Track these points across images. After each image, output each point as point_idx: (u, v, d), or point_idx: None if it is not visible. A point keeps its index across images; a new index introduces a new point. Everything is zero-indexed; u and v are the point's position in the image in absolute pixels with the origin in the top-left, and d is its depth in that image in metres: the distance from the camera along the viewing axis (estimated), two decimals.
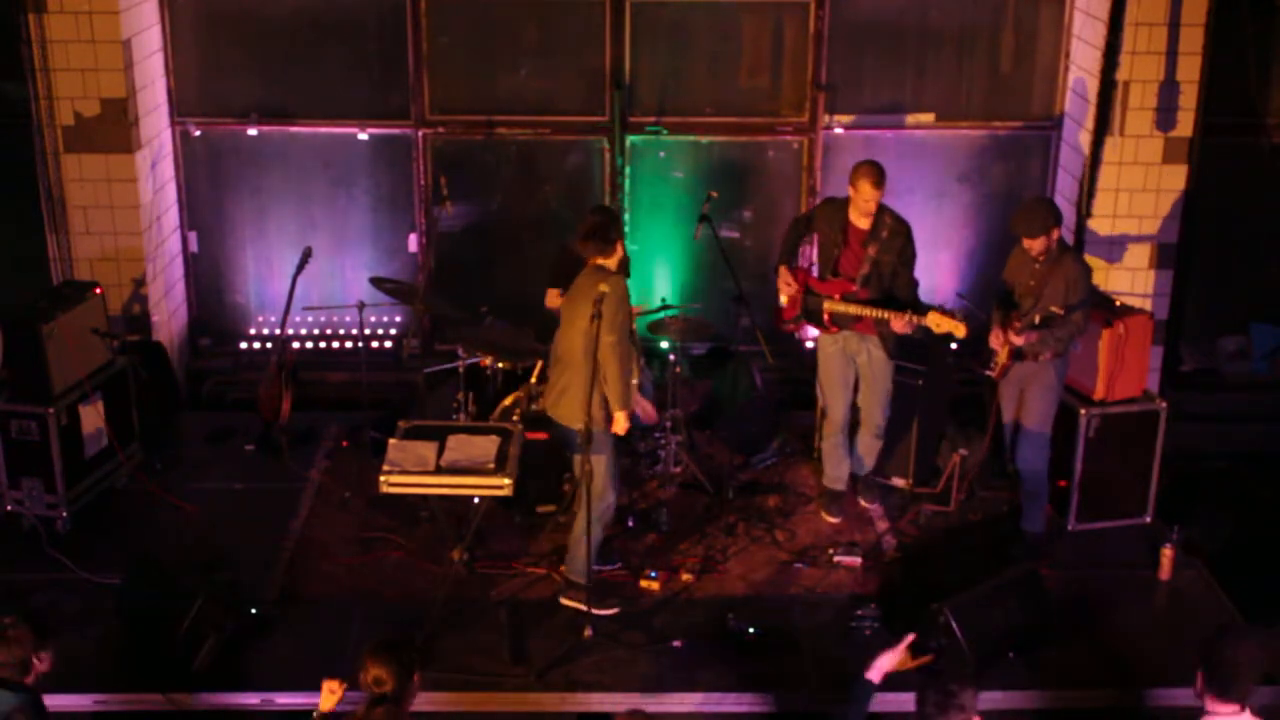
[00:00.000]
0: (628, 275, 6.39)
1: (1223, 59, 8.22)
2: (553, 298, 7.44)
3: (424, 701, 5.82)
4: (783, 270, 7.03)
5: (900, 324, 6.67)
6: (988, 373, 6.86)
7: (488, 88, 8.82)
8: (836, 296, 6.83)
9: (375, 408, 7.89)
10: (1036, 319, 6.53)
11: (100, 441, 7.16)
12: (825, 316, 6.90)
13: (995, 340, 6.76)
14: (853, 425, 7.21)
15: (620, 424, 6.16)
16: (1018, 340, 6.59)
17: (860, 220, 6.77)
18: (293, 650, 6.07)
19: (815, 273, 7.07)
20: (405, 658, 4.57)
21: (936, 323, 6.59)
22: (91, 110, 8.03)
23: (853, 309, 6.81)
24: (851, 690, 4.91)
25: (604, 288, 5.96)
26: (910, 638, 5.02)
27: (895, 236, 6.73)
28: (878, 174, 6.66)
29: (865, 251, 6.74)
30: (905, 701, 5.59)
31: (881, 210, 6.76)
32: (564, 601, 6.37)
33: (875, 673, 4.89)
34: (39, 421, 6.78)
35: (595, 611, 6.26)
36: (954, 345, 7.91)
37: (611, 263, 6.18)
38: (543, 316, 7.43)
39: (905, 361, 7.11)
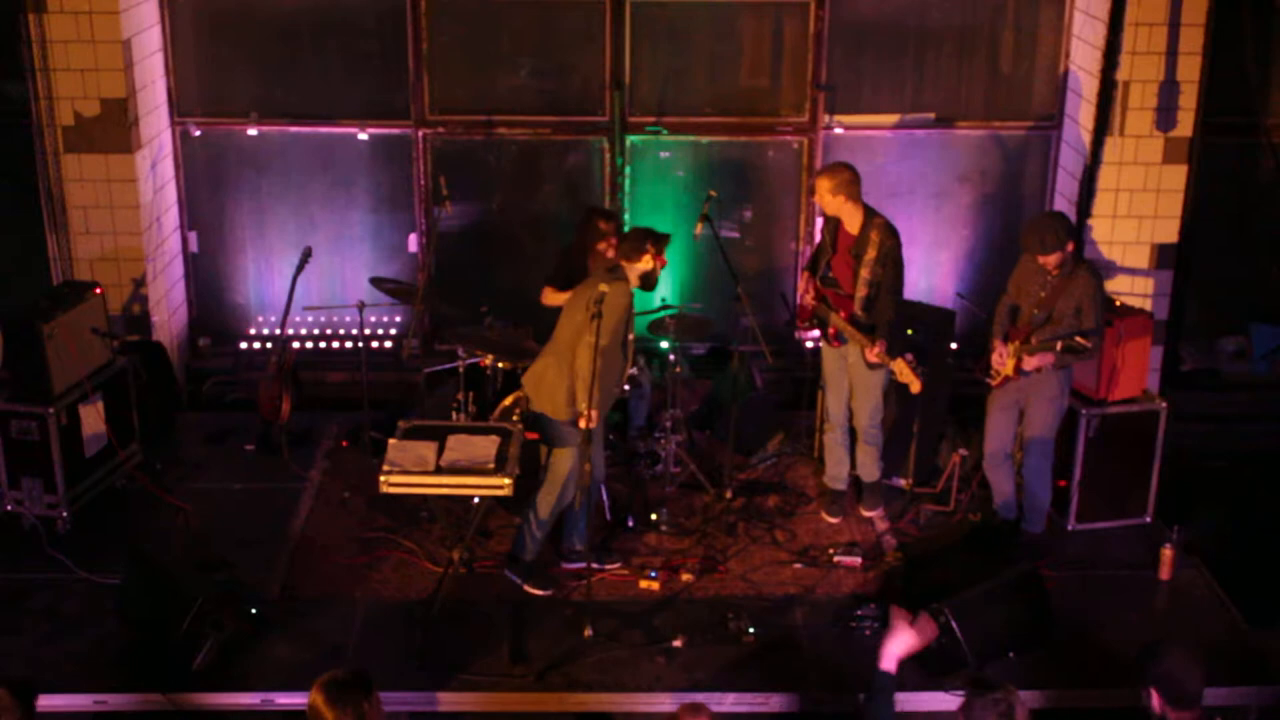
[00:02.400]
0: (650, 289, 6.44)
1: (1223, 59, 8.22)
2: (549, 295, 7.49)
3: (425, 702, 5.84)
4: (804, 275, 7.14)
5: (872, 355, 6.76)
6: (987, 380, 6.85)
7: (488, 88, 8.82)
8: (843, 315, 6.87)
9: (375, 408, 7.89)
10: (1059, 346, 6.42)
11: (100, 441, 7.17)
12: (830, 331, 6.97)
13: (998, 358, 6.73)
14: (853, 427, 7.23)
15: (591, 420, 6.15)
16: (1030, 366, 6.56)
17: (850, 226, 6.80)
18: (293, 650, 6.06)
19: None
20: (352, 704, 4.18)
21: (900, 370, 6.70)
22: (91, 110, 8.03)
23: (847, 330, 6.88)
24: (872, 686, 4.78)
25: (604, 288, 6.03)
26: (908, 615, 4.85)
27: (881, 256, 6.71)
28: (821, 171, 6.81)
29: (856, 266, 6.76)
30: (923, 701, 5.67)
31: (870, 221, 6.75)
32: (506, 573, 6.55)
33: (889, 661, 4.74)
34: (39, 421, 6.78)
35: (528, 589, 6.46)
36: (954, 345, 7.94)
37: (633, 269, 6.29)
38: (542, 316, 7.43)
39: None
